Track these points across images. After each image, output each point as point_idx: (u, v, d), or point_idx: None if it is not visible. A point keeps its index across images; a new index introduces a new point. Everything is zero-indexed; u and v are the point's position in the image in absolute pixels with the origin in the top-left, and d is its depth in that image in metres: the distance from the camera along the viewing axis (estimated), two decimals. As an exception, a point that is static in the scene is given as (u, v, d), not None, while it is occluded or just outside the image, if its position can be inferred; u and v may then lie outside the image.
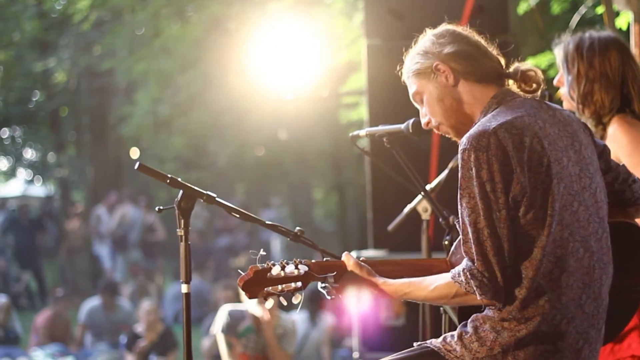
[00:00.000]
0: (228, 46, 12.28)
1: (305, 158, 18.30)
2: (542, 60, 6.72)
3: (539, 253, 2.59)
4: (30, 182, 25.28)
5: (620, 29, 5.96)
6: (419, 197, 4.03)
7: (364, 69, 6.20)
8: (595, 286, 2.67)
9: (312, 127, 15.31)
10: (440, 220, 3.61)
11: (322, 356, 9.50)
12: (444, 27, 2.84)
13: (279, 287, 2.74)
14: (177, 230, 2.97)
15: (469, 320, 2.67)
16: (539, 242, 2.59)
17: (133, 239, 15.83)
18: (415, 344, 2.78)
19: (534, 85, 2.79)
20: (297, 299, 2.77)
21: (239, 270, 2.79)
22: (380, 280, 2.78)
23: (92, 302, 11.44)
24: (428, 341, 2.75)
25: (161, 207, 3.09)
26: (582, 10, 7.17)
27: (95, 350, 10.76)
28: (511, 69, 2.82)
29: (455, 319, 2.85)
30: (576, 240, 2.64)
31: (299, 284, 2.76)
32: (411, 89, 2.84)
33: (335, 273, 2.79)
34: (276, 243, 18.02)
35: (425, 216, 4.03)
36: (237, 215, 3.11)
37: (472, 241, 2.59)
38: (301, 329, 9.20)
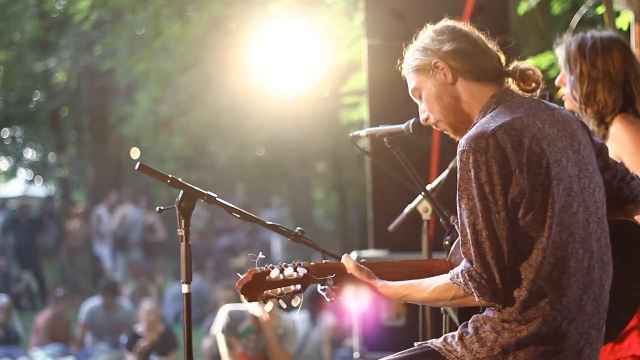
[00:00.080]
0: (229, 46, 12.28)
1: (305, 158, 18.31)
2: (543, 60, 6.72)
3: (539, 255, 2.58)
4: (31, 182, 25.29)
5: (620, 29, 5.95)
6: (420, 197, 4.03)
7: (364, 69, 6.20)
8: (595, 286, 2.67)
9: (312, 127, 15.31)
10: (441, 220, 3.61)
11: (323, 356, 9.50)
12: (445, 23, 2.83)
13: (278, 290, 2.74)
14: (178, 230, 2.97)
15: (470, 321, 2.67)
16: (539, 244, 2.59)
17: (133, 239, 15.82)
18: (415, 344, 2.78)
19: (533, 85, 2.79)
20: (296, 302, 2.77)
21: (238, 274, 2.78)
22: (379, 283, 2.78)
23: (93, 302, 11.44)
24: (429, 341, 2.75)
25: (162, 207, 3.09)
26: (583, 10, 7.17)
27: (96, 351, 10.76)
28: (510, 68, 2.81)
29: (455, 319, 2.85)
30: (576, 241, 2.63)
31: (298, 286, 2.76)
32: (410, 85, 2.84)
33: (334, 275, 2.78)
34: (277, 243, 18.03)
35: (425, 216, 4.03)
36: (238, 216, 3.11)
37: (470, 242, 2.59)
38: (302, 329, 9.20)
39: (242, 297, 2.76)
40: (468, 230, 2.59)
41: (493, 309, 2.63)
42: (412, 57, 2.82)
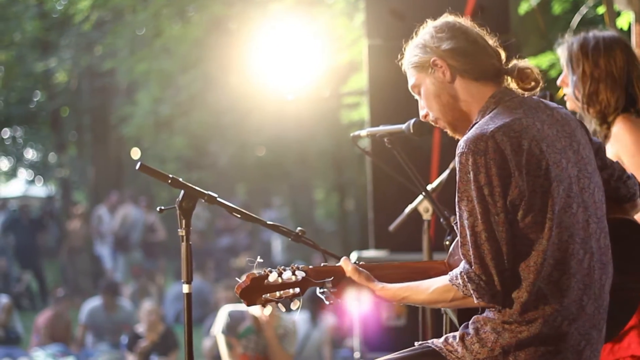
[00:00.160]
0: (229, 46, 12.28)
1: (306, 158, 18.31)
2: (543, 60, 6.72)
3: (539, 256, 2.58)
4: (31, 182, 25.30)
5: (621, 29, 5.95)
6: (420, 197, 4.03)
7: (365, 69, 6.19)
8: (595, 287, 2.67)
9: (313, 127, 15.31)
10: (442, 220, 3.61)
11: (323, 356, 9.49)
12: (445, 19, 2.83)
13: (277, 293, 2.74)
14: (178, 230, 2.96)
15: (470, 322, 2.67)
16: (539, 246, 2.58)
17: (134, 239, 15.82)
18: (416, 344, 2.78)
19: (532, 83, 2.78)
20: (295, 305, 2.77)
21: (237, 279, 2.78)
22: (378, 286, 2.77)
23: (93, 303, 11.44)
24: (430, 341, 2.75)
25: (162, 207, 3.09)
26: (583, 10, 7.17)
27: (96, 351, 10.75)
28: (509, 66, 2.80)
29: (455, 320, 2.85)
30: (576, 242, 2.63)
31: (297, 290, 2.75)
32: (410, 80, 2.84)
33: (332, 278, 2.78)
34: (277, 243, 18.03)
35: (426, 216, 4.03)
36: (238, 216, 3.11)
37: (470, 244, 2.59)
38: (302, 329, 9.19)
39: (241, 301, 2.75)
40: (467, 232, 2.59)
41: (493, 310, 2.62)
42: (411, 53, 2.82)
